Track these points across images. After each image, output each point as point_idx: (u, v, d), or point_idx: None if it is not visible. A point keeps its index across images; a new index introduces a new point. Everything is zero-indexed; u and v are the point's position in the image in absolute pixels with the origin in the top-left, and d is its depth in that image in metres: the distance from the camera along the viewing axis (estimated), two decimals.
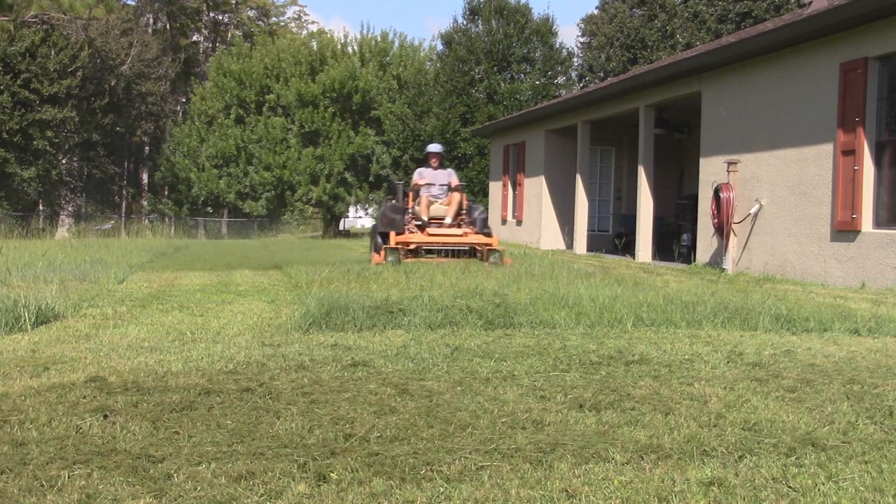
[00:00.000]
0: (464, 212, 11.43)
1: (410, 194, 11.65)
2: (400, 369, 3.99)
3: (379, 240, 11.12)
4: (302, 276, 8.54)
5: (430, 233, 10.81)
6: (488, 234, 11.15)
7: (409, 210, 11.38)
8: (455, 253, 10.60)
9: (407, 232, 10.93)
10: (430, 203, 11.40)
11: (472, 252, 10.69)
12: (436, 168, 12.08)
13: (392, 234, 10.67)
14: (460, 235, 10.83)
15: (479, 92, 28.55)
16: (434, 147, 12.62)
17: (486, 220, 11.55)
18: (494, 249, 10.48)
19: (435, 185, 11.75)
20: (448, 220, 11.24)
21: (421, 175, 11.99)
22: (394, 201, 11.73)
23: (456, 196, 11.52)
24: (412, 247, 10.56)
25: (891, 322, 5.61)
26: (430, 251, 10.65)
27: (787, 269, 10.17)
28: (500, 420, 3.06)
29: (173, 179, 38.07)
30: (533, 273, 8.66)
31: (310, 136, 34.36)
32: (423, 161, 13.32)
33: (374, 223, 12.44)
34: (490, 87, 28.37)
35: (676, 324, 5.61)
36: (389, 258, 10.01)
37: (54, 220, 32.94)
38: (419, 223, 11.15)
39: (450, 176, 12.03)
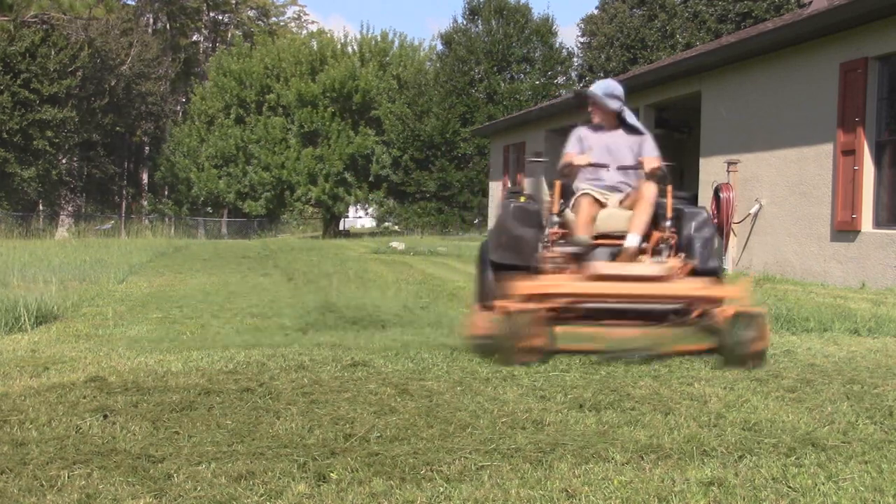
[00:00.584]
0: (667, 223, 5.01)
1: (557, 185, 5.27)
2: (400, 369, 3.99)
3: (491, 277, 5.11)
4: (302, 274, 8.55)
5: (598, 274, 4.66)
6: (722, 276, 5.12)
7: (556, 218, 5.16)
8: (645, 316, 4.70)
9: (549, 266, 4.87)
10: (599, 205, 5.09)
11: (680, 315, 4.66)
12: (610, 128, 5.41)
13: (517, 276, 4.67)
14: (659, 279, 4.69)
15: (479, 92, 28.57)
16: (607, 86, 5.43)
17: (711, 239, 5.03)
18: (744, 313, 4.39)
19: (606, 167, 5.28)
20: (633, 241, 4.91)
21: (582, 142, 5.47)
22: (525, 199, 5.42)
23: (648, 190, 5.01)
24: (558, 304, 4.51)
25: (891, 322, 5.61)
26: (594, 314, 4.65)
27: (787, 269, 10.17)
28: (500, 420, 3.06)
29: (173, 179, 38.10)
30: None
31: (309, 135, 34.38)
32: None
33: (484, 240, 5.55)
34: (490, 87, 28.38)
35: None
36: (509, 328, 4.25)
37: (54, 220, 32.94)
38: (575, 247, 4.96)
39: (640, 146, 5.32)
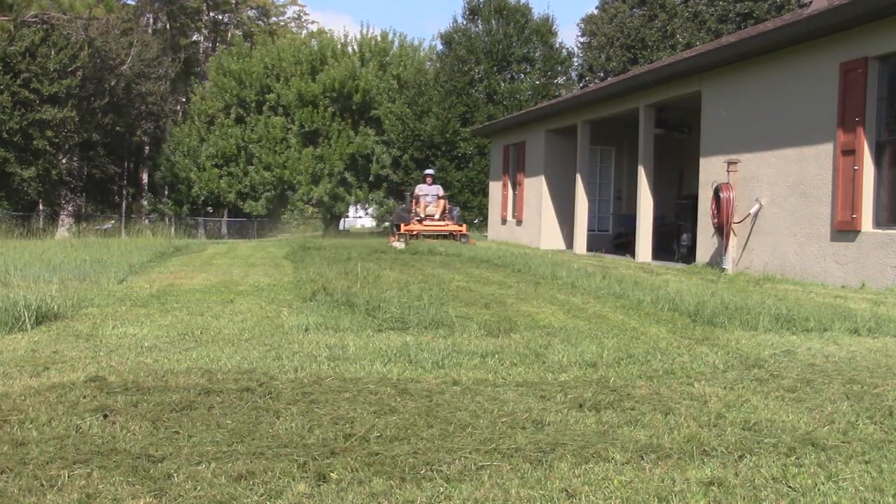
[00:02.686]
0: (447, 212, 19.31)
1: (416, 201, 19.00)
2: (399, 369, 3.99)
3: (398, 230, 17.98)
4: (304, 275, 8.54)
5: (427, 224, 18.01)
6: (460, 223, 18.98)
7: (414, 211, 18.81)
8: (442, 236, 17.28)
9: (417, 223, 18.11)
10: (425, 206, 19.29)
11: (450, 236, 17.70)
12: (430, 184, 19.66)
13: None
14: (445, 226, 17.99)
15: (479, 92, 28.55)
16: (427, 171, 20.58)
17: (458, 215, 19.51)
18: (463, 234, 17.75)
19: (427, 195, 19.02)
20: (437, 216, 18.65)
21: (419, 188, 19.42)
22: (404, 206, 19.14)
23: (444, 202, 19.28)
24: (416, 233, 17.43)
25: (891, 322, 5.61)
26: (431, 235, 17.30)
27: (787, 268, 10.17)
28: (500, 420, 3.06)
29: (173, 179, 38.07)
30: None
31: (310, 135, 34.36)
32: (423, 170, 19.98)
33: (393, 222, 21.68)
34: (490, 87, 28.36)
35: (676, 324, 5.62)
36: (403, 238, 16.97)
37: (54, 220, 32.92)
38: (424, 218, 18.71)
39: (437, 189, 19.65)
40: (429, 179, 19.16)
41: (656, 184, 14.14)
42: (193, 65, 47.05)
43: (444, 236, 17.08)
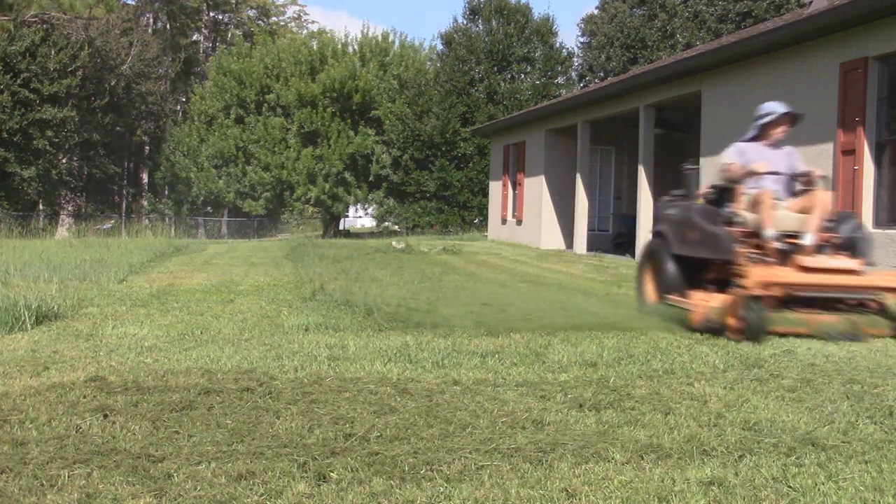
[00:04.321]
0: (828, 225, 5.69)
1: (738, 190, 5.83)
2: (399, 369, 3.99)
3: (671, 269, 5.90)
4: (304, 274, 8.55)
5: (807, 266, 5.26)
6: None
7: (739, 218, 5.71)
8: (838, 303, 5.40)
9: (761, 261, 5.38)
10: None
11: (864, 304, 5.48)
12: (770, 144, 6.07)
13: (735, 263, 5.31)
14: (855, 273, 5.35)
15: (479, 92, 28.56)
16: (778, 106, 6.11)
17: (868, 239, 6.01)
18: None
19: (779, 174, 5.92)
20: (811, 240, 5.42)
21: (744, 154, 5.98)
22: (699, 200, 6.25)
23: (825, 197, 5.67)
24: (781, 292, 5.09)
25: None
26: (808, 301, 5.25)
27: None
28: (500, 420, 3.06)
29: (173, 179, 38.07)
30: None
31: (309, 135, 34.34)
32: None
33: (651, 239, 6.68)
34: (490, 87, 28.38)
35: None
36: (748, 314, 4.85)
37: (54, 220, 32.91)
38: (783, 245, 5.46)
39: (790, 157, 6.09)
40: (779, 130, 6.05)
41: (656, 184, 14.14)
42: (193, 65, 47.03)
43: (855, 304, 5.48)
